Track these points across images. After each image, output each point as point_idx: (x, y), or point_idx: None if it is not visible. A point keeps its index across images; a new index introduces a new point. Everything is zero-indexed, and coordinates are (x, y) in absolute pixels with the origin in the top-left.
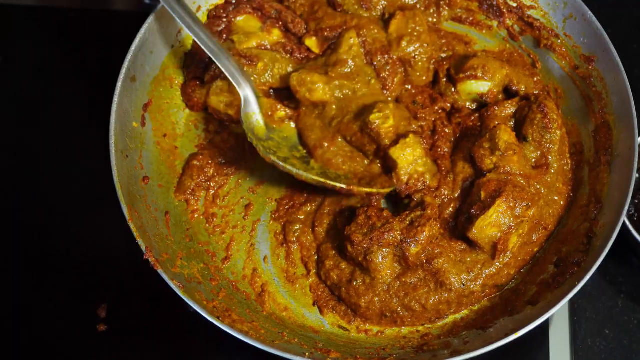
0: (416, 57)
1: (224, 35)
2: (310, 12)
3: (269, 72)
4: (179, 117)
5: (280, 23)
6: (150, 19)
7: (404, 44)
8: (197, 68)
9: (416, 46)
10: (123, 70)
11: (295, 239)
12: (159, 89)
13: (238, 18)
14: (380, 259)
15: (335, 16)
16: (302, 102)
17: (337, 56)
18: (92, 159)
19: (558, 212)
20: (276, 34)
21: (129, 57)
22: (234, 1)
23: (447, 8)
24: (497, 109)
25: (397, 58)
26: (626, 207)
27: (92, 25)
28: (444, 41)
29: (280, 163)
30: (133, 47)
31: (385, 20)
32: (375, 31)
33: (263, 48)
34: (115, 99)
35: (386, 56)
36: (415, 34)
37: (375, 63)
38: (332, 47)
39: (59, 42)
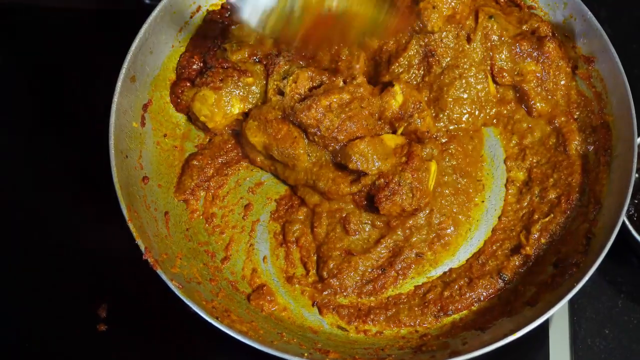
0: None
1: (218, 41)
2: None
3: (253, 88)
4: (179, 117)
5: None
6: (150, 19)
7: None
8: (191, 70)
9: None
10: (123, 70)
11: (294, 239)
12: (159, 89)
13: (232, 27)
14: None
15: None
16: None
17: None
18: (91, 159)
19: None
20: (269, 44)
21: (128, 57)
22: (230, 7)
23: None
24: None
25: None
26: (625, 208)
27: (92, 25)
28: None
29: None
30: (133, 47)
31: None
32: None
33: (255, 58)
34: (115, 99)
35: None
36: None
37: None
38: None
39: (59, 42)
